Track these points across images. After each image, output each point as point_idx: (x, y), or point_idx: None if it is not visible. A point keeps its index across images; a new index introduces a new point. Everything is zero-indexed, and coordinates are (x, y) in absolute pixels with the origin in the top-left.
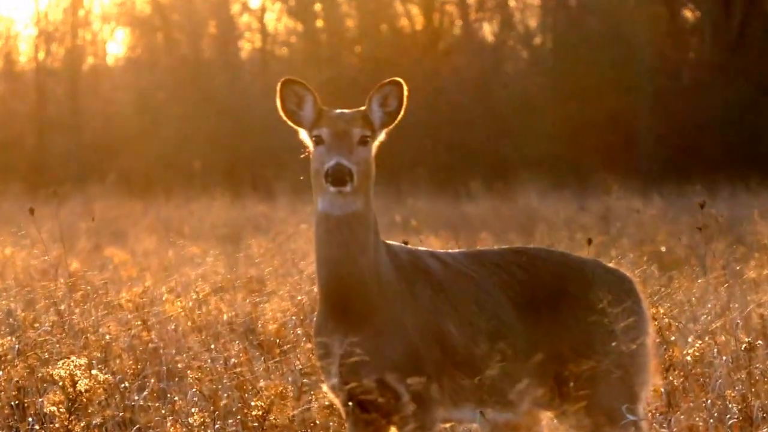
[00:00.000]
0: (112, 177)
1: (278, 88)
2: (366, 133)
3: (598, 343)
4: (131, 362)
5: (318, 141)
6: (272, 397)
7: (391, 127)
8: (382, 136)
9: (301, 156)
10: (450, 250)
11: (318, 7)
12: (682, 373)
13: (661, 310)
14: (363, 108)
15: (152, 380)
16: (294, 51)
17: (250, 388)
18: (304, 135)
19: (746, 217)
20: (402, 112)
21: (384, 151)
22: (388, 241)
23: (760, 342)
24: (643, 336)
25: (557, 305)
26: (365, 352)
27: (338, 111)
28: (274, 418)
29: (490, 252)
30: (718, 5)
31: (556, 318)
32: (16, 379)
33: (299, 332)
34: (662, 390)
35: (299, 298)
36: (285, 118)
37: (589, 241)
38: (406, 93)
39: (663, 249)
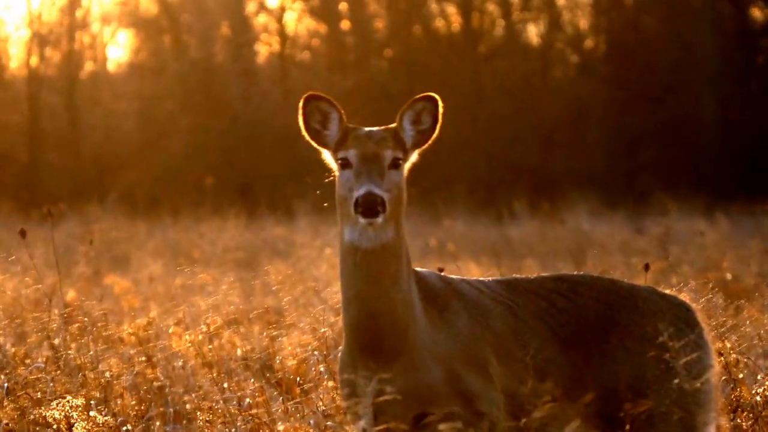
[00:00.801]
0: (113, 195)
1: (300, 104)
2: (398, 155)
3: (656, 380)
4: (134, 403)
5: (345, 164)
6: None
7: (424, 147)
8: (414, 157)
9: (326, 180)
10: (483, 278)
11: (343, 6)
12: (751, 415)
13: (728, 345)
14: (393, 125)
15: (157, 423)
16: (317, 55)
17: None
18: (328, 156)
19: None
20: (437, 132)
21: (417, 167)
22: (419, 270)
23: None
24: (708, 372)
25: (606, 337)
26: (399, 389)
27: (367, 130)
28: None
29: (526, 280)
30: None
31: (605, 352)
32: (5, 421)
33: (321, 369)
34: None
35: (322, 330)
36: (308, 138)
37: (647, 267)
38: (441, 110)
39: (729, 276)
